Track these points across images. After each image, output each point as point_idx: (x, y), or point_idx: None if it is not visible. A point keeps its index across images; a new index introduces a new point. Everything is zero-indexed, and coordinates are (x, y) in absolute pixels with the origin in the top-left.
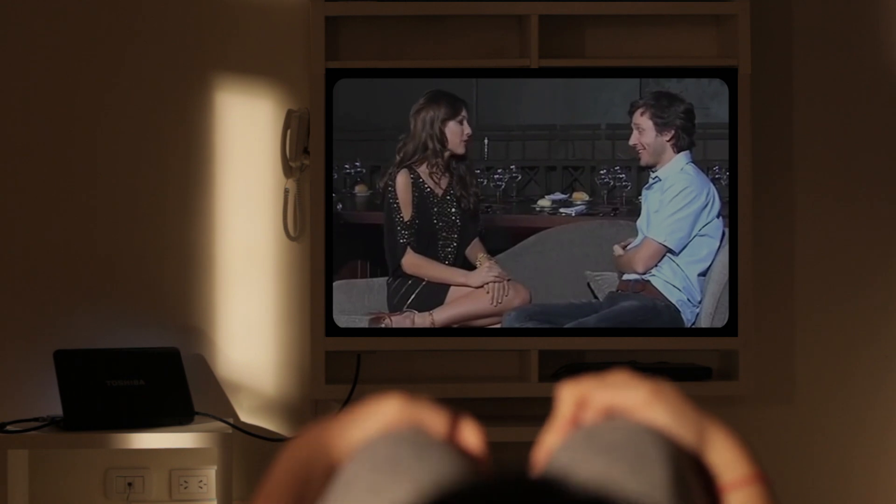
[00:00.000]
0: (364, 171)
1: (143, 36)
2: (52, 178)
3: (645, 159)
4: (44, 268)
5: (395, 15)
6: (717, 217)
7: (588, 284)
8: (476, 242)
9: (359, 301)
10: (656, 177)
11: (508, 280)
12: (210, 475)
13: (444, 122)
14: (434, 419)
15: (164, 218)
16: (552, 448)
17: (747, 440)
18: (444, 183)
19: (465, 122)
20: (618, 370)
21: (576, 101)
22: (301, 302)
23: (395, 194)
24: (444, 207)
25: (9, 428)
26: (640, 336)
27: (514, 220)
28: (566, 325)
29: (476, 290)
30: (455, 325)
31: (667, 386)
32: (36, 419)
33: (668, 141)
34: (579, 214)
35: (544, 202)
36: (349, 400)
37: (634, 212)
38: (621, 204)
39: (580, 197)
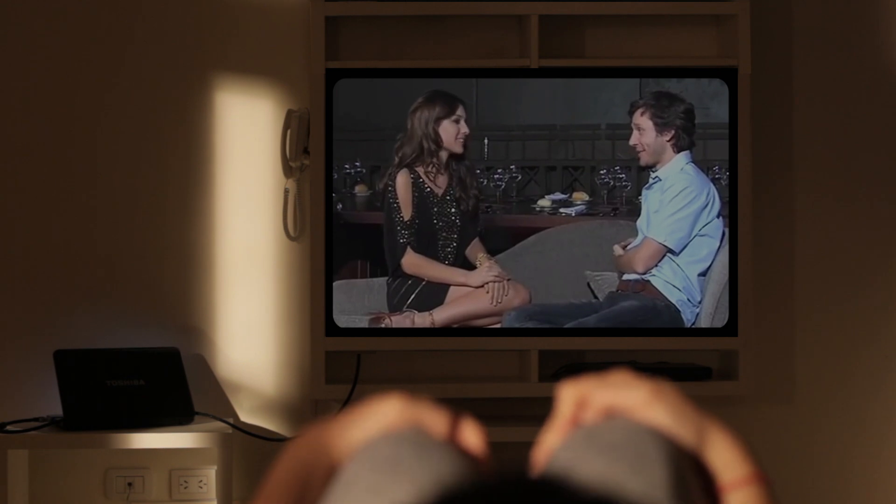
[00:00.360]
0: (364, 171)
1: (143, 36)
2: (52, 178)
3: (645, 159)
4: (44, 268)
5: (395, 15)
6: (717, 217)
7: (588, 284)
8: (476, 242)
9: (359, 301)
10: (656, 177)
11: (508, 280)
12: (210, 475)
13: (438, 121)
14: (435, 419)
15: (164, 218)
16: (552, 448)
17: (747, 440)
18: (443, 183)
19: (461, 121)
20: (618, 370)
21: (576, 101)
22: (301, 302)
23: (396, 194)
24: (444, 207)
25: (9, 428)
26: (640, 336)
27: (514, 220)
28: (566, 325)
29: (476, 290)
30: (455, 325)
31: (667, 386)
32: (36, 419)
33: (668, 141)
34: (579, 214)
35: (544, 202)
36: (349, 400)
37: (634, 212)
38: (621, 204)
39: (580, 197)
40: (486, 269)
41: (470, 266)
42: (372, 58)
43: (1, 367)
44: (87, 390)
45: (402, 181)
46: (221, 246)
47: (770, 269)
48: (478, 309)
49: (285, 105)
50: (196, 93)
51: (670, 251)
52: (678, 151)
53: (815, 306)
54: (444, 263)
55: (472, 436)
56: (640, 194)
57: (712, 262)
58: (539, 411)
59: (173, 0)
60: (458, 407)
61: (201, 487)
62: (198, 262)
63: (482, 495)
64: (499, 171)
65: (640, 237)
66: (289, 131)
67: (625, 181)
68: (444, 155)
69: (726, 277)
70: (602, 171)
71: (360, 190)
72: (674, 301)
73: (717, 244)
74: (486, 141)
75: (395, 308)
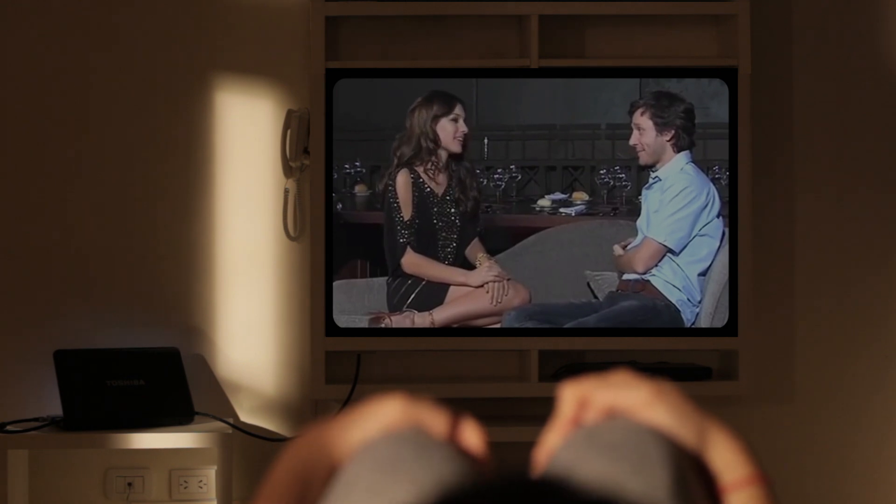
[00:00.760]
0: (364, 171)
1: (143, 36)
2: (52, 179)
3: (644, 159)
4: (44, 268)
5: (395, 15)
6: (717, 217)
7: (588, 284)
8: (476, 242)
9: (359, 301)
10: (656, 176)
11: (508, 280)
12: (210, 475)
13: (436, 119)
14: (435, 419)
15: (165, 218)
16: (553, 448)
17: (748, 441)
18: (443, 183)
19: (460, 120)
20: (619, 370)
21: (576, 101)
22: (301, 302)
23: (396, 194)
24: (444, 207)
25: (9, 428)
26: (640, 336)
27: (513, 220)
28: (566, 325)
29: (476, 290)
30: (455, 325)
31: (668, 386)
32: (36, 419)
33: (668, 141)
34: (579, 214)
35: (544, 202)
36: (349, 400)
37: (634, 212)
38: (621, 204)
39: (580, 197)
40: (486, 268)
41: (470, 266)
42: (372, 58)
43: (1, 367)
44: (87, 390)
45: (403, 181)
46: (221, 246)
47: (770, 269)
48: (478, 309)
49: (285, 105)
50: (196, 93)
51: (670, 251)
52: (678, 151)
53: (815, 306)
54: (443, 263)
55: (472, 436)
56: (639, 194)
57: (712, 262)
58: (539, 411)
59: (173, 0)
60: (458, 407)
61: (201, 487)
62: (198, 262)
63: (483, 495)
64: (499, 170)
65: (639, 237)
66: (289, 131)
67: (625, 181)
68: (442, 154)
69: (726, 277)
70: (602, 171)
71: (360, 190)
72: (674, 301)
73: (717, 244)
74: (485, 141)
75: (394, 308)
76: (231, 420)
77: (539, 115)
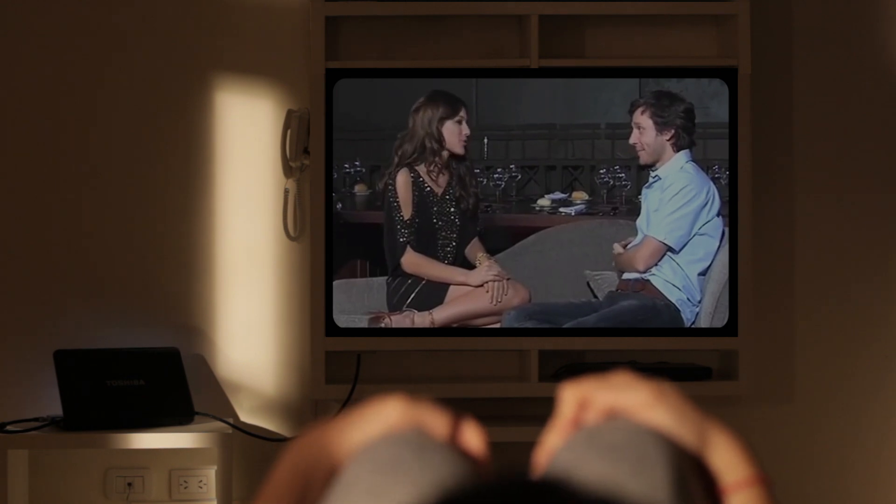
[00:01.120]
0: (364, 170)
1: (143, 36)
2: (52, 179)
3: (644, 158)
4: (44, 268)
5: (395, 15)
6: (717, 216)
7: (588, 284)
8: (476, 242)
9: (358, 301)
10: (656, 175)
11: (508, 279)
12: (210, 475)
13: (442, 121)
14: (436, 421)
15: (164, 218)
16: (554, 449)
17: (748, 441)
18: (443, 182)
19: (463, 123)
20: (619, 371)
21: (576, 100)
22: (301, 302)
23: (396, 193)
24: (444, 207)
25: (9, 428)
26: (640, 336)
27: (513, 220)
28: (566, 325)
29: (476, 290)
30: (455, 325)
31: (668, 387)
32: (36, 419)
33: (668, 140)
34: (579, 214)
35: (544, 202)
36: (349, 400)
37: (634, 211)
38: (621, 203)
39: (580, 196)
40: (486, 268)
41: (470, 265)
42: (372, 58)
43: (1, 367)
44: (87, 390)
45: (402, 180)
46: (221, 246)
47: (770, 269)
48: (477, 308)
49: (285, 105)
50: (196, 93)
51: (670, 249)
52: (678, 150)
53: (815, 306)
54: (443, 263)
55: (473, 437)
56: (639, 193)
57: (712, 262)
58: (539, 411)
59: (173, 0)
60: (458, 407)
61: (201, 487)
62: (198, 262)
63: (484, 497)
64: (498, 170)
65: (640, 236)
66: (289, 131)
67: (624, 180)
68: (444, 155)
69: (726, 277)
70: (602, 171)
71: (360, 189)
72: (674, 301)
73: (717, 244)
74: (485, 140)
75: (394, 307)
76: (231, 420)
77: (539, 114)
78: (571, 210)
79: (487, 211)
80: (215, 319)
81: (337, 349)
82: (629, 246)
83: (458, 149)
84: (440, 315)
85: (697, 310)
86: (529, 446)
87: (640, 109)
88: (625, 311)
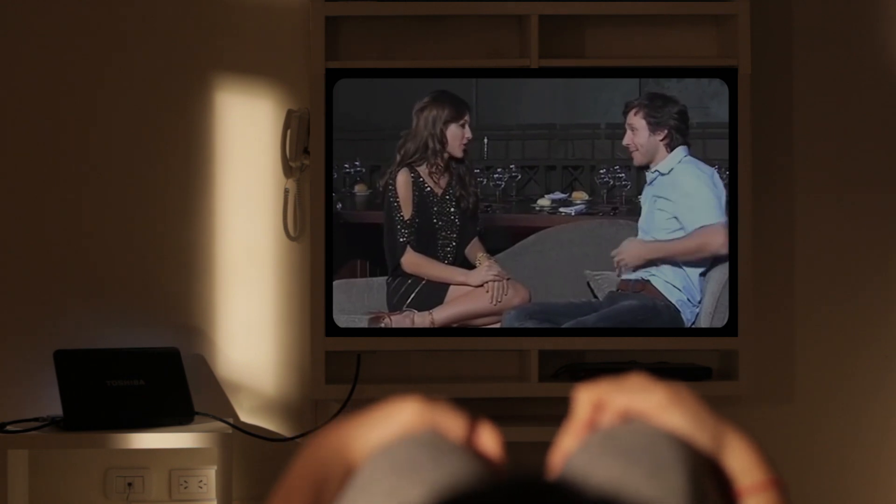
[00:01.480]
0: (364, 170)
1: (143, 36)
2: (52, 179)
3: (638, 159)
4: (44, 268)
5: (395, 15)
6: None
7: (588, 284)
8: (475, 242)
9: (358, 301)
10: (656, 170)
11: (508, 279)
12: (210, 475)
13: (447, 123)
14: (452, 423)
15: (164, 218)
16: (568, 451)
17: (762, 445)
18: (443, 182)
19: (466, 126)
20: (634, 373)
21: (575, 100)
22: (301, 302)
23: (396, 193)
24: (444, 207)
25: (9, 428)
26: (640, 336)
27: (513, 220)
28: (566, 325)
29: (476, 289)
30: (454, 325)
31: (684, 390)
32: (36, 419)
33: (662, 141)
34: (579, 214)
35: (544, 202)
36: (349, 400)
37: (634, 211)
38: (621, 203)
39: (580, 196)
40: (486, 268)
41: (470, 265)
42: (372, 58)
43: (1, 367)
44: (87, 390)
45: (403, 180)
46: (221, 246)
47: (770, 269)
48: (477, 308)
49: (285, 105)
50: (196, 93)
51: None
52: (671, 150)
53: (815, 306)
54: (443, 263)
55: (489, 439)
56: (640, 193)
57: (712, 262)
58: (539, 411)
59: (173, 0)
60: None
61: (201, 487)
62: (198, 262)
63: (498, 496)
64: (498, 170)
65: (691, 228)
66: (289, 131)
67: (624, 180)
68: (446, 156)
69: (726, 277)
70: (602, 171)
71: (360, 189)
72: (674, 301)
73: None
74: (485, 140)
75: (394, 307)
76: (231, 420)
77: (539, 114)
78: (571, 210)
79: (487, 211)
80: (215, 319)
81: (337, 349)
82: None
83: (458, 152)
84: (440, 315)
85: (697, 310)
86: (529, 446)
87: (633, 111)
88: (625, 311)
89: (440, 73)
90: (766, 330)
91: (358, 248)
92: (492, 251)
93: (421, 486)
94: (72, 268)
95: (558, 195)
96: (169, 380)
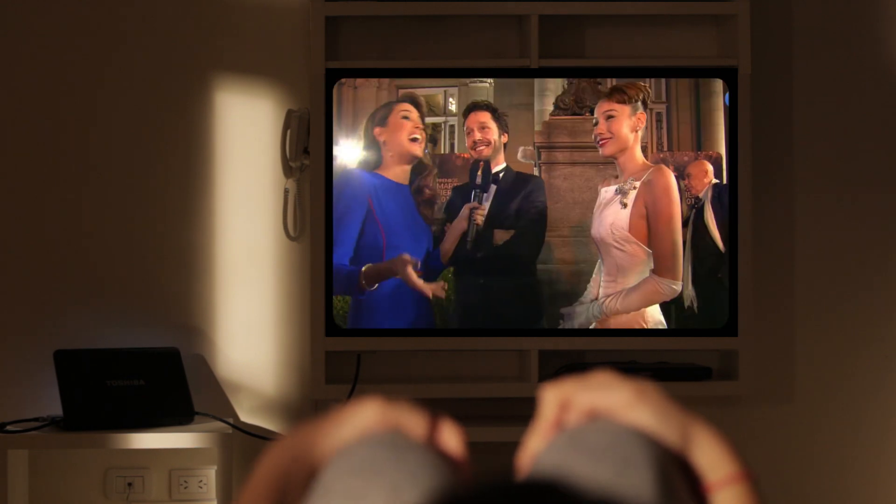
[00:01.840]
0: None
1: (143, 36)
2: (52, 179)
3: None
4: (44, 268)
5: (395, 15)
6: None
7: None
8: None
9: None
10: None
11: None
12: (210, 475)
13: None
14: (413, 421)
15: (164, 218)
16: (536, 451)
17: (742, 441)
18: None
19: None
20: (600, 371)
21: None
22: (301, 302)
23: None
24: None
25: (9, 428)
26: (640, 336)
27: None
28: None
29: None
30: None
31: (650, 386)
32: (36, 419)
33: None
34: None
35: None
36: (349, 400)
37: None
38: None
39: None
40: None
41: None
42: (372, 58)
43: (1, 367)
44: (87, 390)
45: None
46: (221, 246)
47: (770, 269)
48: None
49: (285, 105)
50: (196, 93)
51: None
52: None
53: (815, 306)
54: None
55: (451, 438)
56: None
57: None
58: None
59: (173, 0)
60: (458, 407)
61: (201, 487)
62: (198, 262)
63: (468, 500)
64: None
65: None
66: (289, 131)
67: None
68: None
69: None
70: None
71: None
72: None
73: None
74: None
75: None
76: (231, 420)
77: None
78: None
79: None
80: (215, 319)
81: (337, 349)
82: None
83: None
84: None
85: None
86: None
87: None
88: None
89: (440, 73)
90: (766, 330)
91: None
92: None
93: (382, 487)
94: (72, 268)
95: None
96: (169, 380)
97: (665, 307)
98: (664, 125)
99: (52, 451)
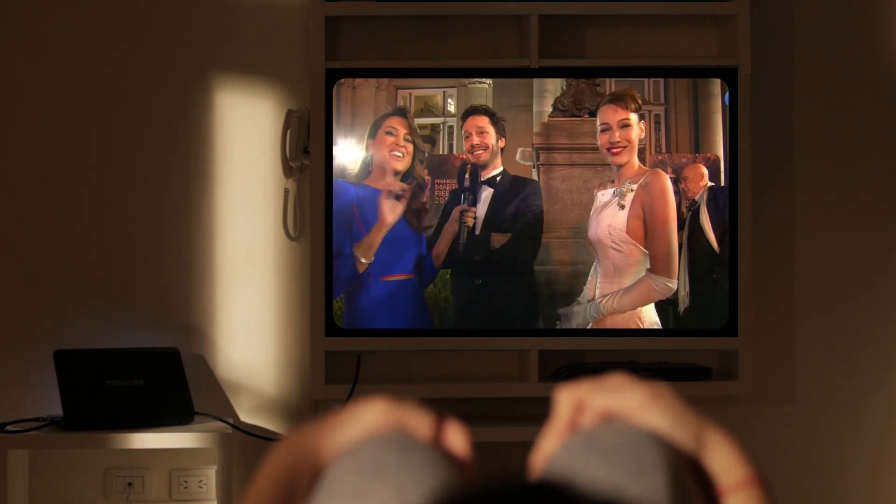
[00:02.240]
0: None
1: (143, 36)
2: (52, 179)
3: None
4: (44, 268)
5: (395, 15)
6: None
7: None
8: None
9: None
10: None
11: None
12: (210, 475)
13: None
14: (419, 422)
15: (164, 218)
16: (550, 452)
17: (745, 442)
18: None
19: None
20: (615, 373)
21: None
22: (301, 302)
23: None
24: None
25: (9, 428)
26: (640, 336)
27: None
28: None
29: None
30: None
31: (664, 389)
32: (36, 419)
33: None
34: None
35: None
36: (349, 400)
37: None
38: None
39: None
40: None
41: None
42: (372, 58)
43: (1, 367)
44: (87, 390)
45: None
46: (221, 246)
47: (770, 269)
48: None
49: (285, 105)
50: (196, 93)
51: None
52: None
53: (815, 306)
54: None
55: (456, 438)
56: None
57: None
58: (539, 411)
59: (173, 0)
60: (458, 407)
61: (201, 487)
62: (198, 262)
63: (481, 500)
64: None
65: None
66: (289, 131)
67: None
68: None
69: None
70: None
71: None
72: None
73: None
74: None
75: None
76: (231, 420)
77: None
78: None
79: None
80: (215, 319)
81: (337, 349)
82: None
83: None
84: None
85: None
86: (529, 446)
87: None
88: None
89: (440, 73)
90: (766, 330)
91: None
92: None
93: (387, 487)
94: (72, 268)
95: None
96: (169, 380)
97: (661, 309)
98: (662, 127)
99: (52, 451)
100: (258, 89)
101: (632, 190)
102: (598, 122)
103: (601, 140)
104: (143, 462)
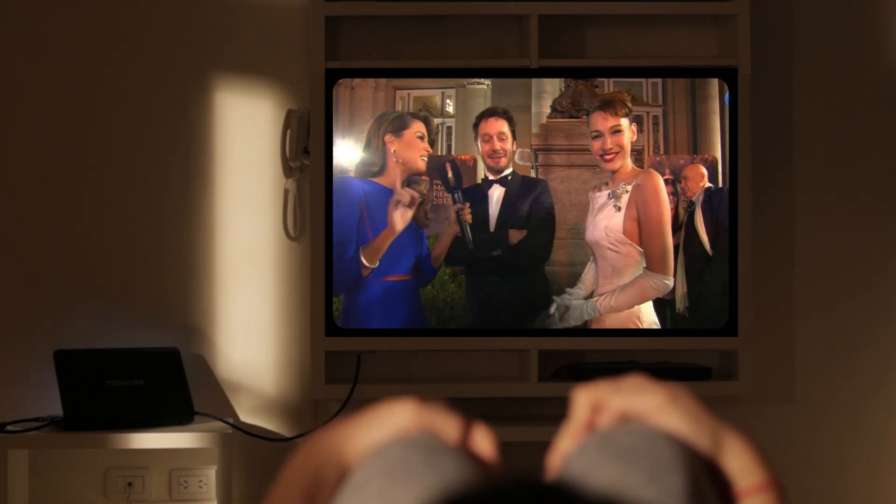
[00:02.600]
0: None
1: (143, 36)
2: (52, 179)
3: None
4: (44, 268)
5: (395, 15)
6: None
7: None
8: None
9: None
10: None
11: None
12: (210, 475)
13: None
14: (446, 424)
15: (164, 218)
16: (567, 453)
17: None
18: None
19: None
20: (633, 374)
21: None
22: (301, 302)
23: None
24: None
25: (9, 428)
26: (640, 336)
27: None
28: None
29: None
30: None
31: (682, 391)
32: (36, 419)
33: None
34: None
35: None
36: (349, 400)
37: None
38: None
39: None
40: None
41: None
42: (372, 58)
43: (1, 367)
44: (87, 390)
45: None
46: (221, 246)
47: (770, 269)
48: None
49: (285, 105)
50: (196, 93)
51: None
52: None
53: (815, 306)
54: None
55: (483, 441)
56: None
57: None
58: (539, 411)
59: (173, 0)
60: (457, 407)
61: (201, 487)
62: (198, 262)
63: (496, 498)
64: None
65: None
66: (289, 131)
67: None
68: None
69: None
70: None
71: None
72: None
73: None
74: None
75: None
76: (231, 420)
77: None
78: None
79: None
80: (215, 319)
81: (337, 349)
82: None
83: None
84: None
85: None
86: (529, 446)
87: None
88: None
89: (440, 73)
90: (766, 330)
91: None
92: None
93: (414, 489)
94: (72, 268)
95: None
96: (169, 380)
97: (659, 309)
98: (660, 128)
99: (52, 451)
100: (258, 89)
101: (626, 191)
102: (588, 130)
103: (594, 147)
104: (144, 462)
